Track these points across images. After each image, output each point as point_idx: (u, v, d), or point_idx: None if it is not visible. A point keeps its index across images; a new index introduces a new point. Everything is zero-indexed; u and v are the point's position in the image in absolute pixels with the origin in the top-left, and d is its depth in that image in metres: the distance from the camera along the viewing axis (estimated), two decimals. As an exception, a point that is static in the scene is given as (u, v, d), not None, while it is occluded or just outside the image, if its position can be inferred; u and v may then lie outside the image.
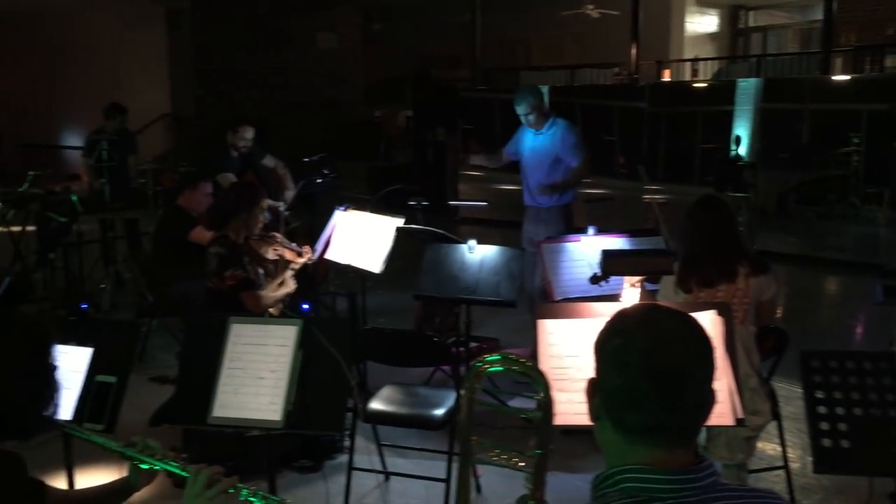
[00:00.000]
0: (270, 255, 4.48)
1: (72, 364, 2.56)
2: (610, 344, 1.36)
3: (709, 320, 2.46)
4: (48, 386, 1.83)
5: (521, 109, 5.44)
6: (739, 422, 2.47)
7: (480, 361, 1.80)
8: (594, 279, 3.60)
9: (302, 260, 4.59)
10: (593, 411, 1.39)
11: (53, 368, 1.84)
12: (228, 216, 4.27)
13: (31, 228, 7.57)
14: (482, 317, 5.75)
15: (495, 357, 1.80)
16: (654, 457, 1.31)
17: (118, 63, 15.81)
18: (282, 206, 6.24)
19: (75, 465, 2.73)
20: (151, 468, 1.92)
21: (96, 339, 2.61)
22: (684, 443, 1.33)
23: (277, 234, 4.66)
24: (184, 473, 1.85)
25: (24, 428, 1.81)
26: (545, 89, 11.15)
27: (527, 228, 5.66)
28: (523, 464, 1.76)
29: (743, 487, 1.41)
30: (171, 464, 1.89)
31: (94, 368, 2.58)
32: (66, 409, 2.47)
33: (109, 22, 15.94)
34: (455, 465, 3.66)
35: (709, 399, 1.34)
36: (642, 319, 1.38)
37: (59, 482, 2.62)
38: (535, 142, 5.53)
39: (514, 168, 5.85)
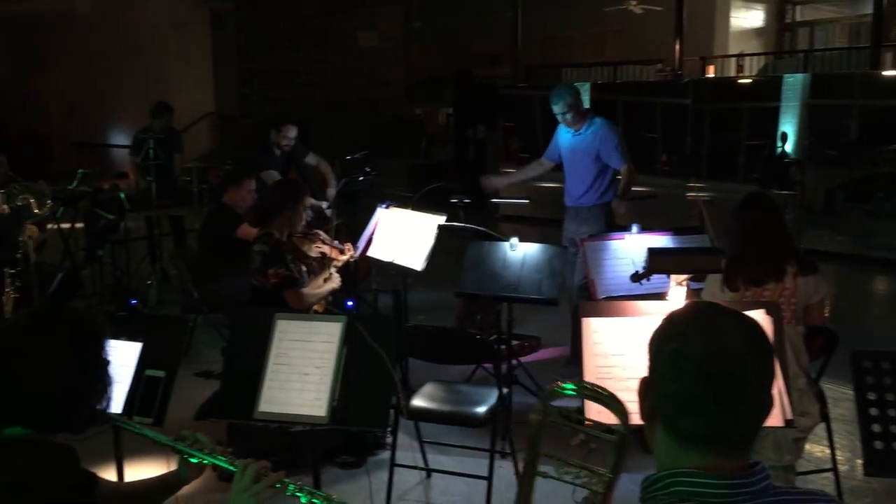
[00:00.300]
0: (313, 252, 4.52)
1: (122, 358, 2.60)
2: (665, 347, 1.32)
3: (757, 319, 2.43)
4: (101, 380, 1.86)
5: (557, 108, 5.36)
6: (788, 423, 2.43)
7: (557, 386, 1.75)
8: (635, 277, 3.57)
9: (344, 257, 4.62)
10: (645, 412, 1.36)
11: (106, 363, 1.88)
12: (272, 214, 4.31)
13: (79, 226, 7.73)
14: (523, 314, 5.73)
15: (570, 385, 1.75)
16: (707, 462, 1.27)
17: (164, 63, 16.07)
18: (324, 204, 6.29)
19: (124, 458, 2.78)
20: (200, 462, 1.95)
21: (146, 334, 2.65)
22: (740, 449, 1.30)
23: (320, 232, 4.69)
24: (231, 468, 1.87)
25: (78, 421, 1.85)
26: (586, 86, 11.09)
27: (567, 228, 5.60)
28: (594, 484, 1.72)
29: (796, 490, 1.37)
30: (219, 458, 1.92)
31: (144, 363, 2.62)
32: (116, 402, 2.52)
33: (155, 22, 16.20)
34: (497, 463, 3.67)
35: (767, 404, 1.30)
36: (699, 322, 1.33)
37: (110, 474, 2.67)
38: (574, 141, 5.46)
39: (555, 166, 5.79)
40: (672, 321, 1.36)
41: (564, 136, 5.52)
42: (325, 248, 4.57)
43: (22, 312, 1.95)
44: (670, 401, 1.29)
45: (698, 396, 1.26)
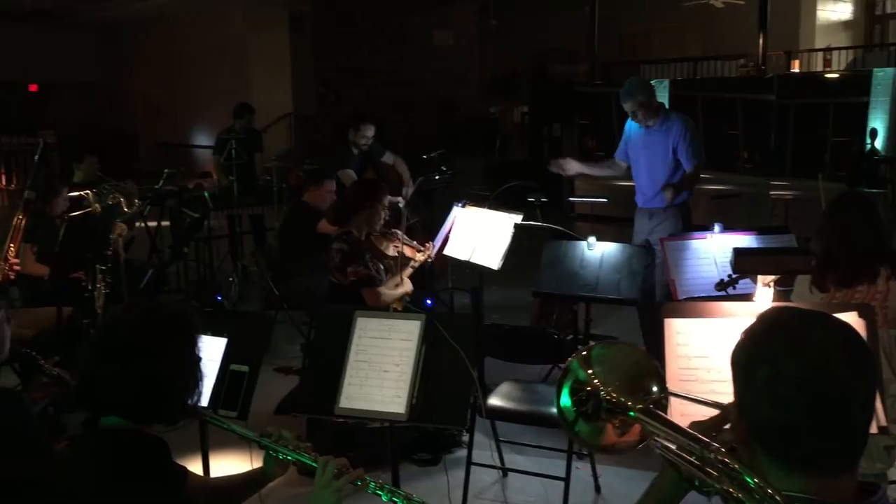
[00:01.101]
0: (391, 251, 4.56)
1: (208, 353, 2.67)
2: (757, 373, 1.20)
3: (849, 322, 2.34)
4: (195, 374, 1.93)
5: (627, 107, 5.17)
6: (882, 430, 2.33)
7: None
8: (721, 285, 3.46)
9: (422, 256, 4.64)
10: (740, 435, 1.26)
11: (199, 358, 1.94)
12: (351, 212, 4.36)
13: (165, 224, 7.98)
14: (600, 314, 5.66)
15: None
16: (815, 486, 1.17)
17: (244, 64, 16.45)
18: (400, 202, 6.33)
19: (210, 450, 2.85)
20: (285, 458, 1.99)
21: (231, 330, 2.71)
22: (851, 466, 1.20)
23: (398, 231, 4.73)
24: (313, 464, 1.90)
25: (172, 414, 1.91)
26: (665, 83, 10.89)
27: (639, 229, 5.41)
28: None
29: None
30: (303, 454, 1.95)
31: (229, 358, 2.68)
32: (204, 396, 2.58)
33: (236, 25, 16.60)
34: (574, 464, 3.64)
35: (871, 414, 1.21)
36: (790, 338, 1.20)
37: (196, 466, 2.74)
38: (648, 139, 5.24)
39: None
40: (757, 338, 1.23)
41: (636, 133, 5.32)
42: (403, 247, 4.60)
43: (122, 307, 2.02)
44: (770, 428, 1.19)
45: (801, 422, 1.16)
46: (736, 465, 1.21)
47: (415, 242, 4.66)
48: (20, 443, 2.16)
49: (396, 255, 4.54)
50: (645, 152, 5.29)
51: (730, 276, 3.45)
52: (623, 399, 1.54)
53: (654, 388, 1.61)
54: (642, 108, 5.14)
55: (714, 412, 1.57)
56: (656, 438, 1.47)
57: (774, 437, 1.19)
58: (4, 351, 2.42)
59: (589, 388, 1.58)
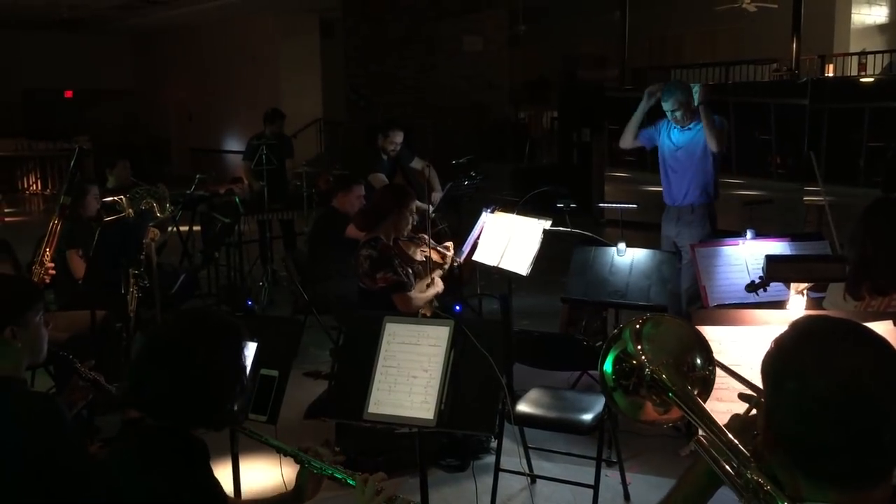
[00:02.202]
0: (419, 255, 4.56)
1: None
2: (786, 386, 1.18)
3: (883, 331, 2.30)
4: (241, 382, 1.96)
5: (667, 105, 5.29)
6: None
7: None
8: (751, 287, 3.43)
9: (447, 258, 4.64)
10: (767, 443, 1.23)
11: (245, 367, 1.97)
12: (379, 218, 4.37)
13: (196, 228, 8.07)
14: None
15: None
16: (846, 498, 1.15)
17: (275, 71, 16.59)
18: (430, 207, 6.34)
19: (239, 454, 2.87)
20: (320, 473, 2.01)
21: (261, 334, 2.73)
22: (884, 479, 1.16)
23: (425, 236, 4.74)
24: (351, 482, 1.94)
25: (218, 420, 1.95)
26: (696, 87, 10.80)
27: (666, 230, 5.48)
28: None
29: None
30: (339, 471, 1.99)
31: (259, 362, 2.70)
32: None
33: (267, 32, 16.75)
34: (603, 472, 3.61)
35: None
36: (818, 351, 1.17)
37: (225, 470, 2.76)
38: (682, 138, 5.36)
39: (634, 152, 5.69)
40: (785, 349, 1.21)
41: (672, 135, 5.42)
42: (430, 252, 4.61)
43: (172, 314, 2.08)
44: (797, 442, 1.17)
45: (829, 440, 1.13)
46: (769, 488, 1.19)
47: (440, 247, 4.66)
48: (59, 444, 2.20)
49: (423, 259, 4.54)
50: (682, 153, 5.36)
51: (761, 277, 3.41)
52: (666, 378, 1.54)
53: (699, 362, 1.61)
54: (682, 108, 5.25)
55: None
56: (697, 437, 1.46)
57: (801, 452, 1.17)
58: (42, 353, 2.46)
59: (635, 362, 1.58)
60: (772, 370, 1.22)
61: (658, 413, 1.60)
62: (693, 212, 5.33)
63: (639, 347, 1.59)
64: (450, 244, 4.75)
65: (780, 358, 1.21)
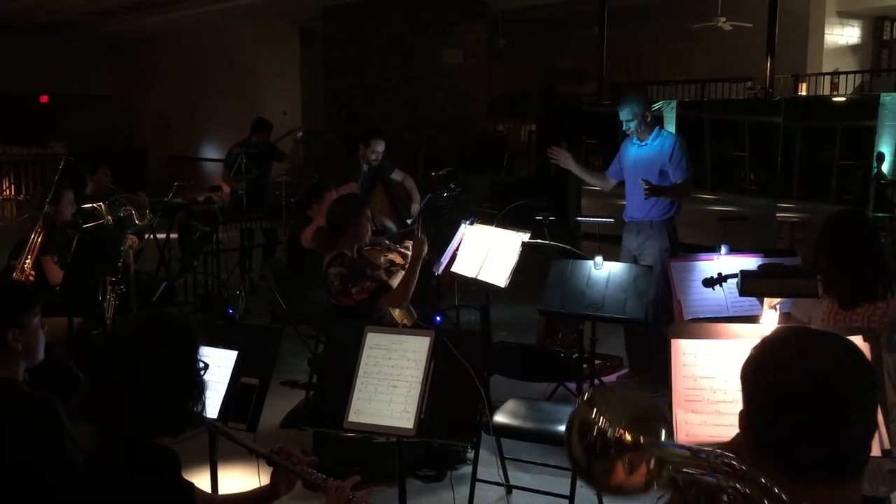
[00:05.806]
0: (382, 261, 4.58)
1: (218, 366, 2.69)
2: (761, 381, 1.29)
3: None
4: (197, 384, 1.95)
5: (622, 115, 5.39)
6: (886, 453, 2.35)
7: None
8: (708, 282, 3.50)
9: (408, 257, 4.62)
10: (748, 445, 1.32)
11: (201, 368, 1.96)
12: (339, 233, 4.28)
13: (173, 236, 8.03)
14: (604, 334, 5.68)
15: None
16: (816, 495, 1.23)
17: (254, 80, 16.57)
18: (410, 219, 6.37)
19: (218, 462, 2.88)
20: (293, 475, 2.03)
21: (241, 343, 2.74)
22: (847, 479, 1.26)
23: (384, 240, 4.76)
24: (323, 486, 1.95)
25: (176, 424, 1.94)
26: (672, 104, 10.93)
27: (626, 243, 5.55)
28: None
29: None
30: (312, 474, 2.00)
31: (239, 370, 2.71)
32: (214, 408, 2.61)
33: (247, 41, 16.74)
34: (579, 482, 3.64)
35: (872, 429, 1.28)
36: (798, 348, 1.29)
37: (204, 477, 2.77)
38: (640, 153, 5.44)
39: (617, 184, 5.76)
40: (764, 351, 1.32)
41: (629, 149, 5.53)
42: (391, 255, 4.63)
43: (124, 319, 2.07)
44: (771, 433, 1.26)
45: (797, 430, 1.22)
46: (743, 466, 1.26)
47: (398, 248, 4.69)
48: (58, 445, 2.21)
49: (387, 264, 4.55)
50: (635, 167, 5.45)
51: (719, 274, 3.48)
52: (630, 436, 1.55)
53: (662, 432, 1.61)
54: (636, 118, 5.35)
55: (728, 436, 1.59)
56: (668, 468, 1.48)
57: (774, 443, 1.26)
58: (40, 355, 2.48)
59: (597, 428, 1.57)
60: (751, 369, 1.32)
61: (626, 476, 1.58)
62: (652, 226, 5.41)
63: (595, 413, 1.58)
64: (409, 243, 4.74)
65: (760, 357, 1.32)
